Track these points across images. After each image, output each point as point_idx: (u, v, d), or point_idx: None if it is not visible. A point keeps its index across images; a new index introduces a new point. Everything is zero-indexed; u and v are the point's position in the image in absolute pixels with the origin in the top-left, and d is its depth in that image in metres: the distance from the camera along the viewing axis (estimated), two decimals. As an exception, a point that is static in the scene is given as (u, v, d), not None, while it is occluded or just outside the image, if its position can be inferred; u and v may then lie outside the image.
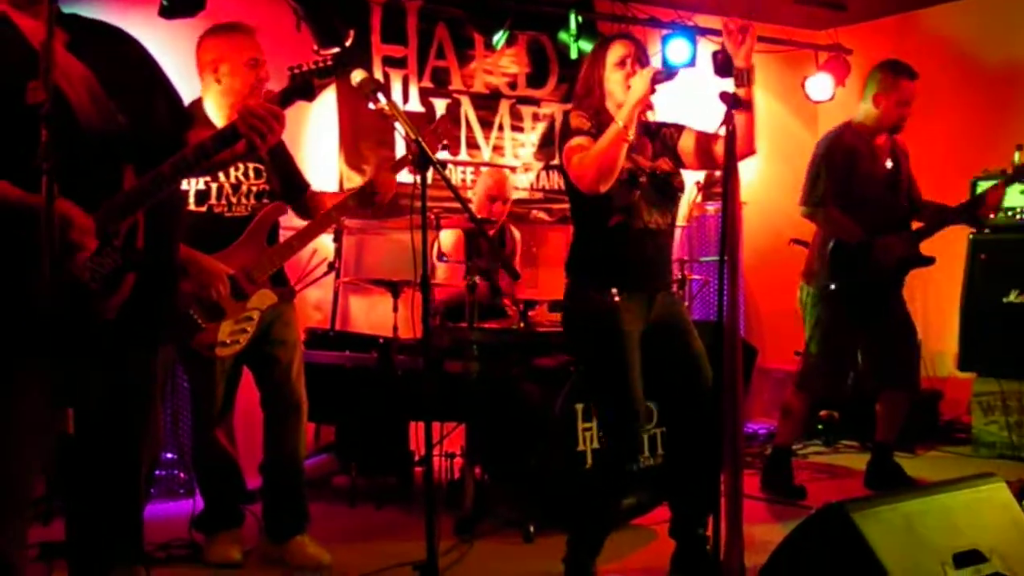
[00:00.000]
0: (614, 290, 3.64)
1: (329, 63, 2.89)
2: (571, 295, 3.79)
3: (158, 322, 2.75)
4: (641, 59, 3.71)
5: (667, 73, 3.58)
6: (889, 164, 5.16)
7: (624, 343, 3.65)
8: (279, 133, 2.75)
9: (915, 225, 5.20)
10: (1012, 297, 6.16)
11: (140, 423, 2.79)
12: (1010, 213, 6.25)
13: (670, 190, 3.76)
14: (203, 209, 3.86)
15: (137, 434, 2.79)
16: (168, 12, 5.04)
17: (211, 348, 3.79)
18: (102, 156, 2.53)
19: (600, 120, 3.67)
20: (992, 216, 5.24)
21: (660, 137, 3.84)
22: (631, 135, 3.50)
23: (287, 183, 4.08)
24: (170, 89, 2.82)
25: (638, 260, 3.70)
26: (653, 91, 3.54)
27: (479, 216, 5.43)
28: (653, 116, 3.86)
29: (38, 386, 2.50)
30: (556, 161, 6.79)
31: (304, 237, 3.96)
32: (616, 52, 3.72)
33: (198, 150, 2.65)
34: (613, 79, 3.70)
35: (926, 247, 5.18)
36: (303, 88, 2.86)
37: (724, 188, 3.26)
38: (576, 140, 3.63)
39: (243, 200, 3.92)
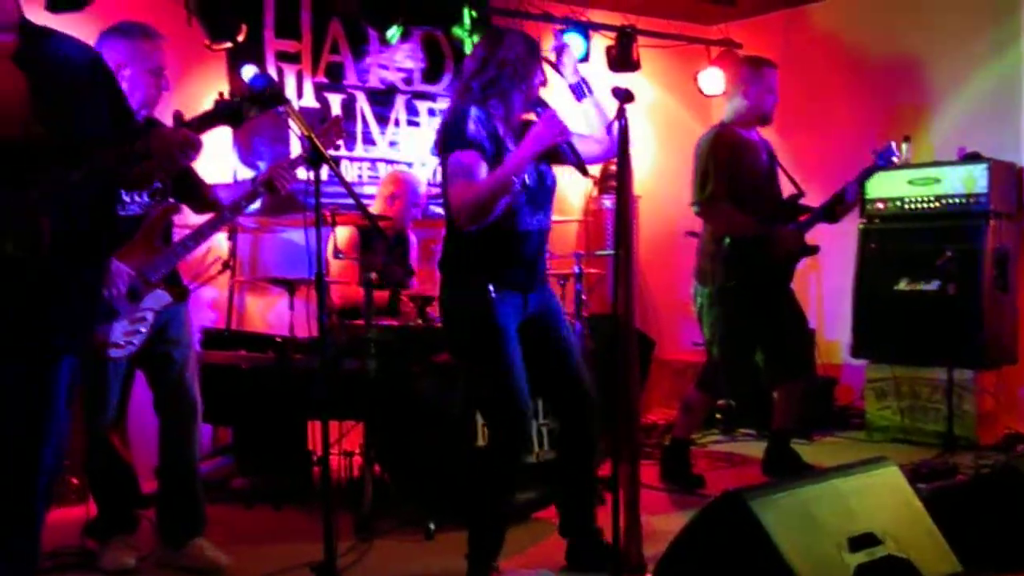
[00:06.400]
0: (490, 287, 3.60)
1: (266, 93, 2.84)
2: (447, 293, 3.79)
3: (58, 328, 2.68)
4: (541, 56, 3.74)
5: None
6: (764, 157, 5.27)
7: (502, 338, 3.63)
8: (194, 158, 2.77)
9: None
10: (902, 285, 6.32)
11: (32, 433, 2.70)
12: (898, 203, 6.42)
13: (543, 191, 3.74)
14: None
15: (30, 445, 2.70)
16: (55, 5, 4.88)
17: (104, 349, 3.69)
18: (16, 165, 2.53)
19: (505, 118, 3.64)
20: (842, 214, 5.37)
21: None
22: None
23: (180, 180, 3.99)
24: (116, 100, 2.81)
25: (515, 260, 3.67)
26: (561, 139, 3.50)
27: (402, 220, 5.41)
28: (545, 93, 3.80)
29: None
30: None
31: (199, 236, 3.89)
32: (531, 48, 3.73)
33: (100, 164, 2.63)
34: (527, 71, 3.68)
35: (816, 237, 5.31)
36: (230, 116, 2.83)
37: (618, 182, 3.28)
38: (466, 157, 3.51)
39: (136, 199, 3.81)
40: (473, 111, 3.58)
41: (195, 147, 2.75)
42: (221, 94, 2.84)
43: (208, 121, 2.80)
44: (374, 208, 5.48)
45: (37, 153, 2.57)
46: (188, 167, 4.08)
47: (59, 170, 2.58)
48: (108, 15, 4.49)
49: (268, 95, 2.84)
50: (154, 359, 3.91)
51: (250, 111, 2.85)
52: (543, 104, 3.60)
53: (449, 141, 3.58)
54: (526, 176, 3.58)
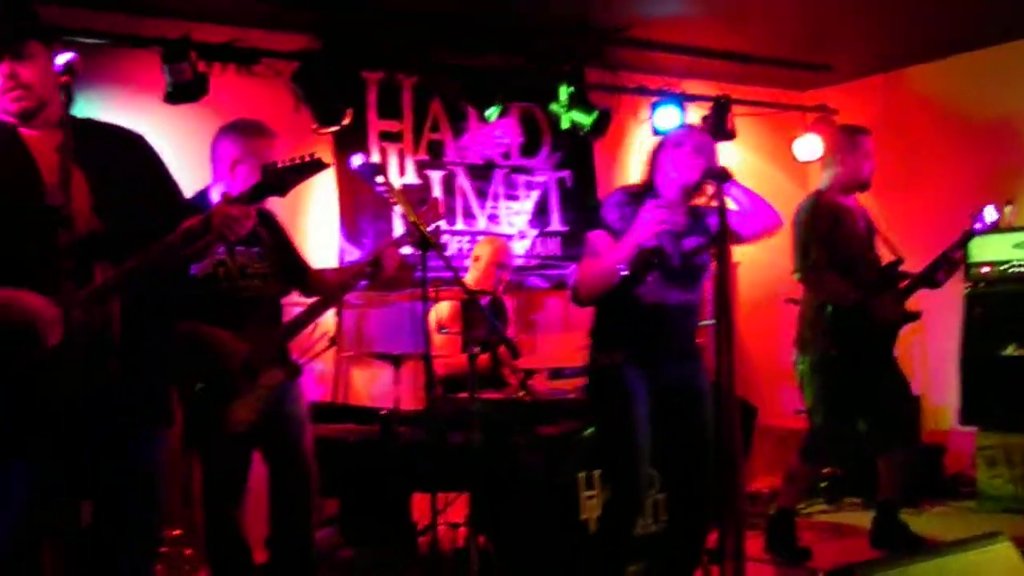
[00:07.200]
0: (619, 352, 3.82)
1: (306, 160, 2.97)
2: (589, 359, 4.02)
3: (142, 408, 2.83)
4: (698, 148, 3.85)
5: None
6: (863, 224, 5.26)
7: (627, 403, 3.80)
8: (249, 227, 2.87)
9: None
10: (1010, 350, 6.20)
11: (128, 504, 2.83)
12: (1003, 267, 6.31)
13: (688, 271, 3.87)
14: (212, 290, 3.91)
15: (136, 520, 2.83)
16: (173, 98, 5.14)
17: (224, 426, 3.83)
18: (81, 256, 2.67)
19: (645, 194, 3.82)
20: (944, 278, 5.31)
21: (697, 215, 3.95)
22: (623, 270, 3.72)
23: (288, 265, 4.15)
24: (169, 188, 2.98)
25: (649, 333, 3.86)
26: (664, 228, 3.68)
27: (487, 283, 5.52)
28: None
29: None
30: (551, 228, 6.88)
31: (311, 315, 4.07)
32: (680, 135, 3.92)
33: (166, 246, 2.76)
34: (667, 157, 3.88)
35: (920, 301, 5.27)
36: (276, 186, 2.95)
37: (718, 257, 3.32)
38: (593, 236, 3.84)
39: (249, 282, 3.97)
40: (616, 195, 3.91)
41: (251, 218, 2.89)
42: (265, 165, 2.97)
43: (258, 192, 2.93)
44: (468, 274, 5.62)
45: (99, 245, 2.69)
46: (298, 255, 4.25)
47: (121, 258, 2.71)
48: (222, 105, 4.72)
49: (309, 164, 2.96)
50: (270, 435, 4.02)
51: (294, 179, 2.96)
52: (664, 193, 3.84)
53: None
54: (670, 257, 3.79)
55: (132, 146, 2.93)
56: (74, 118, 2.81)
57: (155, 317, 2.89)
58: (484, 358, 5.26)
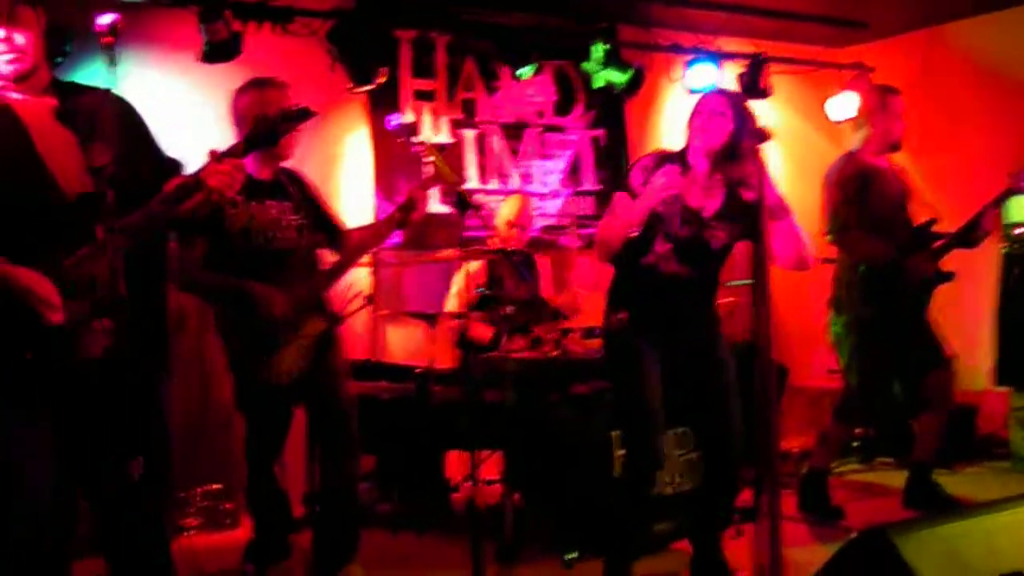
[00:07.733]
0: (625, 312, 3.88)
1: (294, 110, 2.99)
2: (603, 321, 4.03)
3: (150, 360, 2.92)
4: (719, 111, 3.78)
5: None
6: (895, 183, 5.23)
7: (638, 366, 3.84)
8: (241, 180, 2.90)
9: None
10: (1047, 312, 6.15)
11: (154, 457, 2.90)
12: (1041, 228, 6.26)
13: (697, 249, 3.85)
14: (247, 244, 3.94)
15: (153, 467, 2.90)
16: (209, 57, 5.16)
17: (271, 377, 3.88)
18: (79, 218, 2.71)
19: (673, 161, 3.79)
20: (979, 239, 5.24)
21: (734, 194, 3.89)
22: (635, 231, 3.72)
23: (321, 225, 4.18)
24: (154, 146, 3.03)
25: (657, 302, 3.87)
26: (669, 194, 3.66)
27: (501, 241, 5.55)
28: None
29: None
30: (584, 187, 6.88)
31: (345, 265, 4.14)
32: (701, 100, 3.86)
33: (162, 201, 2.79)
34: (690, 124, 3.84)
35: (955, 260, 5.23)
36: (265, 136, 2.97)
37: (756, 217, 3.31)
38: (617, 196, 3.87)
39: (283, 234, 4.00)
40: (647, 158, 3.88)
41: (243, 171, 2.93)
42: (256, 117, 3.00)
43: (249, 144, 2.96)
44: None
45: (96, 205, 2.72)
46: (330, 213, 4.28)
47: (119, 217, 2.75)
48: (258, 64, 4.73)
49: (297, 112, 2.99)
50: (313, 386, 4.04)
51: (284, 128, 2.99)
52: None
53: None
54: (679, 230, 3.75)
55: (113, 106, 2.94)
56: (59, 81, 2.90)
57: (155, 272, 2.97)
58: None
